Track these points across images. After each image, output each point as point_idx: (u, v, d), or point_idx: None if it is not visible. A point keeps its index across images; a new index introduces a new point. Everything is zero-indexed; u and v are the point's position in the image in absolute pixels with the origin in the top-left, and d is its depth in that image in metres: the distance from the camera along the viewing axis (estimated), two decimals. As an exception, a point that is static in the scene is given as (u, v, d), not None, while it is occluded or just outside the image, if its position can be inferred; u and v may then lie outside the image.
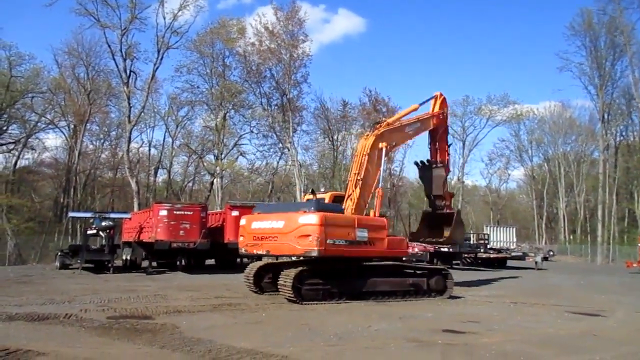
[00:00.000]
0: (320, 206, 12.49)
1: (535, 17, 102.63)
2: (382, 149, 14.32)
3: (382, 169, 14.60)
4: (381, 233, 13.09)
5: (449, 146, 18.43)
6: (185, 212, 21.53)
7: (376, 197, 14.26)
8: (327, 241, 11.76)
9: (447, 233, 17.03)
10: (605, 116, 49.62)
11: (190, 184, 55.78)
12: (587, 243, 51.88)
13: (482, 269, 29.51)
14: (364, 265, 12.95)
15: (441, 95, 17.73)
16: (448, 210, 17.49)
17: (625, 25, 44.83)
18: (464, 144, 60.28)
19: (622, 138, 55.05)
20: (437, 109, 17.53)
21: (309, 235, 11.73)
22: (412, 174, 52.54)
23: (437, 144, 17.91)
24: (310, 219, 11.92)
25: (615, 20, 45.49)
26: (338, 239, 11.98)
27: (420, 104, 16.98)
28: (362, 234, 12.49)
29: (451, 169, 19.21)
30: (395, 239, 14.12)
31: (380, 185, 14.31)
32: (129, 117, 38.34)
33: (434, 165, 17.78)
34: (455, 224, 17.03)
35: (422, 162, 18.27)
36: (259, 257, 15.69)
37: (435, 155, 17.92)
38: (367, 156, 14.07)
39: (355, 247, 12.38)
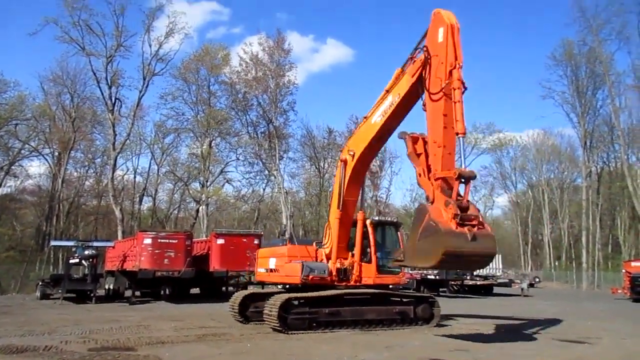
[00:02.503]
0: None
1: (519, 47, 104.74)
2: (341, 163, 12.93)
3: (340, 184, 12.70)
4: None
5: (464, 88, 9.52)
6: (170, 240, 21.34)
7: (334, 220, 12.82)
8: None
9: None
10: (587, 143, 50.45)
11: (176, 212, 55.43)
12: (572, 269, 52.16)
13: (469, 296, 29.50)
14: (349, 294, 12.83)
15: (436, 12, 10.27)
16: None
17: (604, 55, 46.02)
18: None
19: (604, 165, 55.98)
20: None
21: None
22: (397, 200, 52.82)
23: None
24: None
25: (594, 51, 46.62)
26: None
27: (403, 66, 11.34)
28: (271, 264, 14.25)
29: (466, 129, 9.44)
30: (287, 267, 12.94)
31: (339, 207, 12.68)
32: (113, 144, 38.17)
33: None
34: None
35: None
36: (244, 287, 15.63)
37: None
38: (335, 178, 13.85)
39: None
